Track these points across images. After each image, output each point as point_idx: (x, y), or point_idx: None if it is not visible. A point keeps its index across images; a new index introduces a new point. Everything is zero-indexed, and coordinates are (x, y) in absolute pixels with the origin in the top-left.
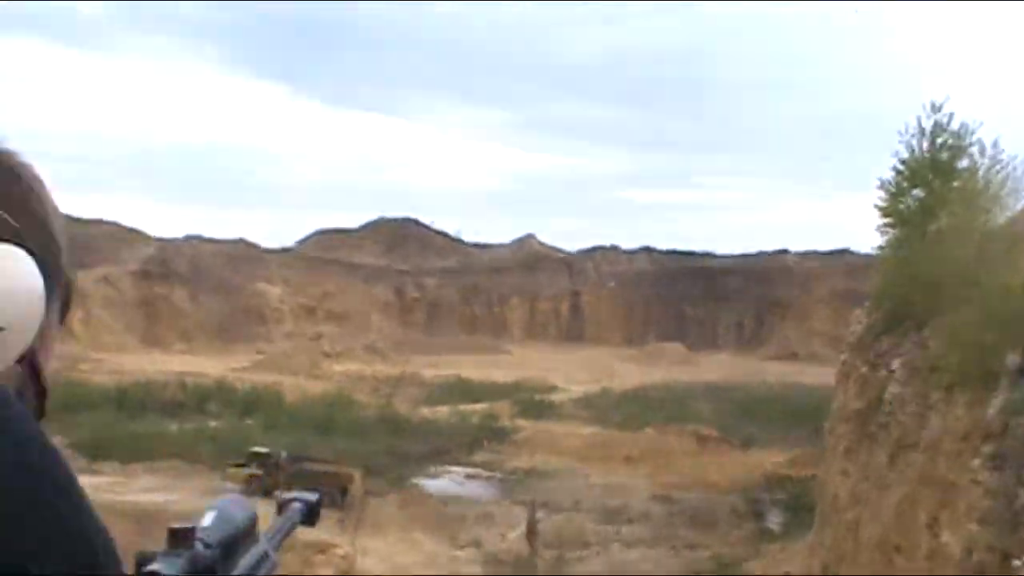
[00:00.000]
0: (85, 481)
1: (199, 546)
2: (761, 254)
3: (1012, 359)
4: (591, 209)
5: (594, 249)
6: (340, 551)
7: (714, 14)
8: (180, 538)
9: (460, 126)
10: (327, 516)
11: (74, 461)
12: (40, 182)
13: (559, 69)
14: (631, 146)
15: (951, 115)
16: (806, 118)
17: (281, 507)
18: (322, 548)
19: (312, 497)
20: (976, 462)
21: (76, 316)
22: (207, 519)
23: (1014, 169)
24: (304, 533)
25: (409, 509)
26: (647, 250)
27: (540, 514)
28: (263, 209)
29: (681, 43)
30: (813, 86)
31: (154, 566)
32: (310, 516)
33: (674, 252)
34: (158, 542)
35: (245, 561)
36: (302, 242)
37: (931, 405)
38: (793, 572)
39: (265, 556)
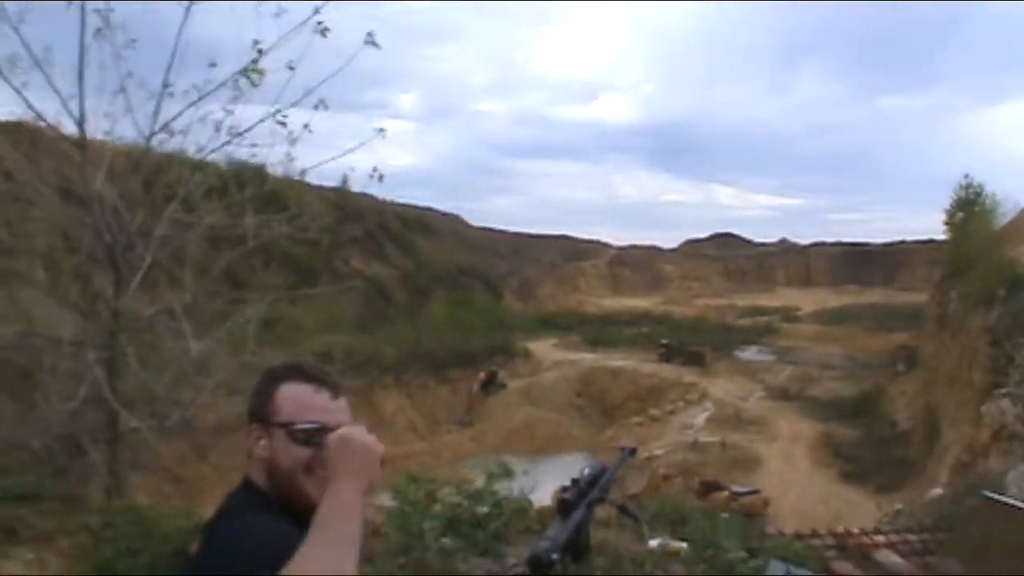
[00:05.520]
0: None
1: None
2: None
3: None
4: None
5: None
6: (700, 385)
7: None
8: (573, 481)
9: None
10: (696, 371)
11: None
12: None
13: None
14: None
15: None
16: None
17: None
18: (692, 384)
19: (631, 447)
20: None
21: None
22: (586, 470)
23: None
24: (685, 375)
25: (732, 366)
26: None
27: (789, 367)
28: None
29: None
30: None
31: (564, 494)
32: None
33: None
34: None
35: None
36: None
37: None
38: None
39: (608, 478)
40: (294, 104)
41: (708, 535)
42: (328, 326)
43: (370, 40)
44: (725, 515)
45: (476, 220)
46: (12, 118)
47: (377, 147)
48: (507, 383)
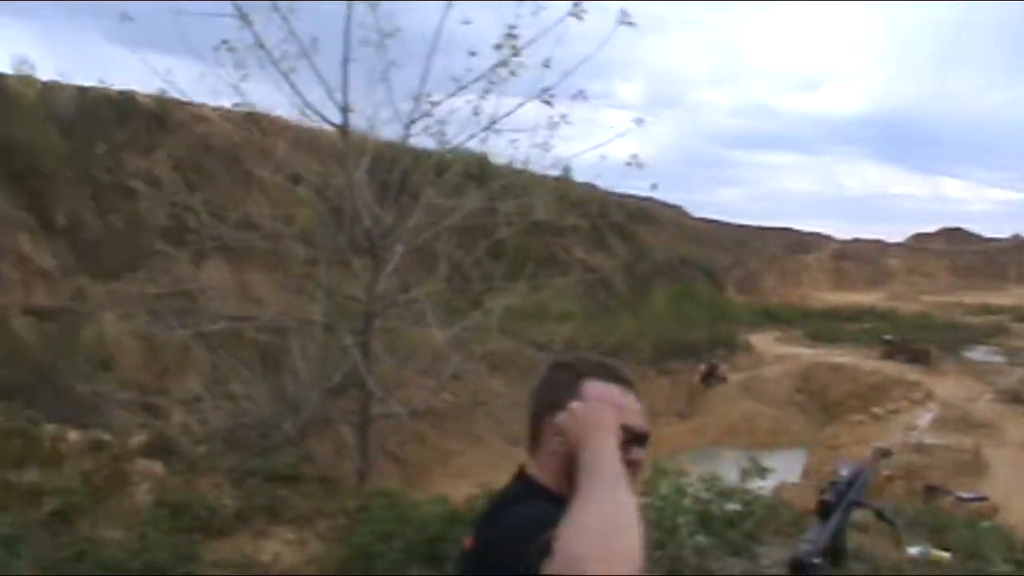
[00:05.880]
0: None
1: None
2: None
3: None
4: None
5: None
6: (924, 384)
7: None
8: (831, 483)
9: None
10: (920, 370)
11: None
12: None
13: None
14: None
15: None
16: None
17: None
18: (916, 383)
19: (885, 448)
20: None
21: None
22: (843, 471)
23: None
24: (908, 373)
25: (959, 366)
26: None
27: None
28: None
29: None
30: None
31: (824, 496)
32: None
33: None
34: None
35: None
36: None
37: None
38: None
39: (864, 481)
40: (546, 90)
41: (971, 545)
42: (556, 317)
43: (625, 20)
44: (987, 524)
45: (699, 212)
46: (244, 107)
47: (599, 137)
48: (727, 376)
